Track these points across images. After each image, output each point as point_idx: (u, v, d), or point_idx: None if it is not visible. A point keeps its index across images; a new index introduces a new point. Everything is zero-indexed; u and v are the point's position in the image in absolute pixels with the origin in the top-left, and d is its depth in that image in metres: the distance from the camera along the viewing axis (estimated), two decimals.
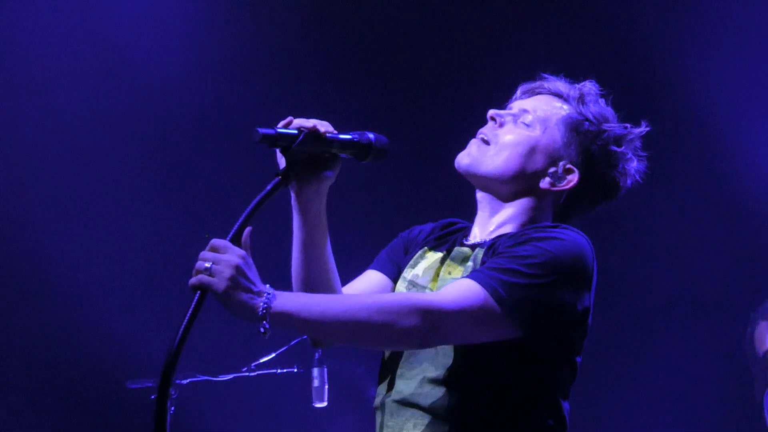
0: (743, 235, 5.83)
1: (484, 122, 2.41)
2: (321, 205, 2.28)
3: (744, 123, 5.70)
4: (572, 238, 2.22)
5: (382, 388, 2.31)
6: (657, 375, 5.89)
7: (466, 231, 2.42)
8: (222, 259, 1.98)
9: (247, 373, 4.95)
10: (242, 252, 2.00)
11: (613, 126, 2.39)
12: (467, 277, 2.17)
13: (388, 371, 2.31)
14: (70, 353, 5.64)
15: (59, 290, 5.64)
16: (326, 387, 4.87)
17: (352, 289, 2.43)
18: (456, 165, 2.38)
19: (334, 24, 5.90)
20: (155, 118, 5.75)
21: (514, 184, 2.35)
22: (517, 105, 2.43)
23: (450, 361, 2.21)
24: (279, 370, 4.97)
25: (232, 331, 4.49)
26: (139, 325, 5.48)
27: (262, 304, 1.98)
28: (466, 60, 5.89)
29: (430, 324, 2.07)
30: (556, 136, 2.37)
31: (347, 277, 2.44)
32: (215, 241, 2.01)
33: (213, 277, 1.96)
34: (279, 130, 2.18)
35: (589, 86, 2.43)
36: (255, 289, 1.99)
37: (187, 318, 1.95)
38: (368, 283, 2.44)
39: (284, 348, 4.88)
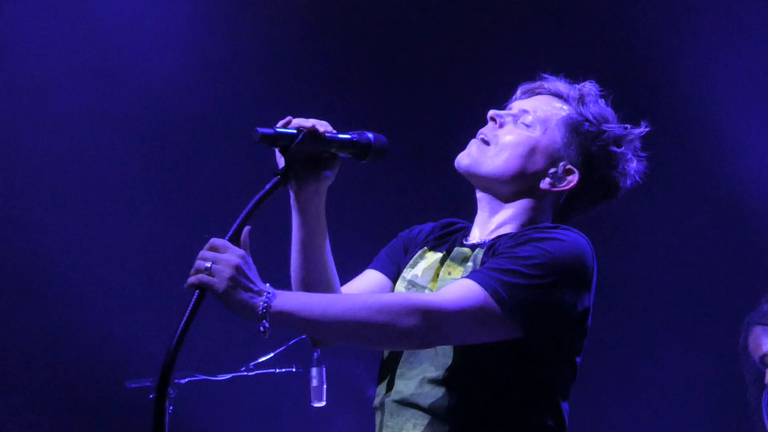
0: (743, 235, 5.82)
1: (484, 122, 2.41)
2: (320, 205, 2.28)
3: (744, 123, 5.70)
4: (572, 238, 2.22)
5: (382, 388, 2.31)
6: (657, 375, 5.89)
7: (466, 231, 2.42)
8: (222, 258, 1.98)
9: (245, 373, 4.94)
10: (242, 251, 2.00)
11: (613, 126, 2.39)
12: (467, 277, 2.17)
13: (387, 371, 2.31)
14: (70, 353, 5.64)
15: (59, 290, 5.64)
16: (325, 387, 4.87)
17: (351, 288, 2.43)
18: (456, 165, 2.38)
19: (334, 24, 5.90)
20: (155, 118, 5.75)
21: (514, 184, 2.35)
22: (517, 105, 2.43)
23: (450, 361, 2.21)
24: (278, 370, 4.97)
25: (231, 330, 4.49)
26: (139, 325, 5.48)
27: (262, 303, 1.98)
28: (466, 60, 5.89)
29: (430, 324, 2.07)
30: (556, 136, 2.37)
31: (347, 276, 2.44)
32: (214, 241, 2.01)
33: (213, 276, 1.96)
34: (278, 129, 2.18)
35: (589, 87, 2.43)
36: (255, 289, 1.99)
37: (185, 317, 1.95)
38: (367, 283, 2.43)
39: (283, 348, 4.88)
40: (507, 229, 2.34)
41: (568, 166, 2.36)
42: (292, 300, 2.03)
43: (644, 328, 5.96)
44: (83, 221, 5.71)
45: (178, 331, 1.94)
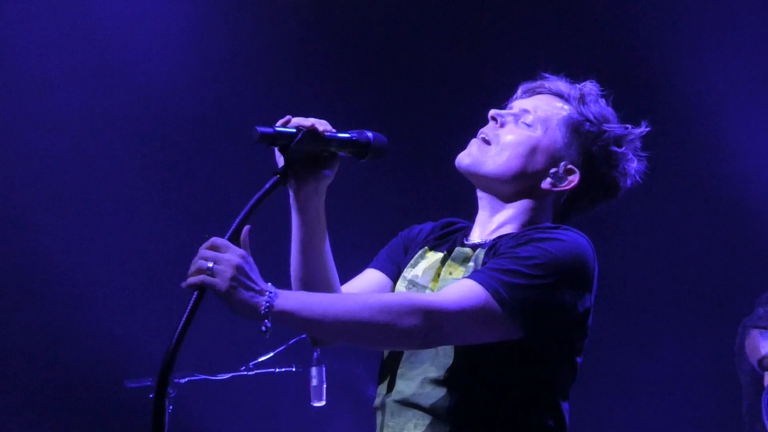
0: (743, 235, 5.83)
1: (485, 122, 2.41)
2: (320, 204, 2.28)
3: (744, 123, 5.70)
4: (573, 239, 2.22)
5: (383, 388, 2.31)
6: (657, 375, 5.90)
7: (467, 231, 2.42)
8: (223, 258, 1.97)
9: (245, 372, 4.94)
10: (242, 251, 2.00)
11: (614, 126, 2.38)
12: (468, 277, 2.16)
13: (388, 371, 2.31)
14: (70, 353, 5.65)
15: (59, 290, 5.64)
16: (324, 386, 4.87)
17: (352, 287, 2.42)
18: (457, 165, 2.37)
19: (334, 24, 5.90)
20: (155, 118, 5.75)
21: (515, 184, 2.35)
22: (517, 104, 2.42)
23: (451, 361, 2.20)
24: (277, 369, 4.97)
25: (231, 330, 4.50)
26: (139, 325, 5.48)
27: (264, 302, 1.98)
28: (466, 60, 5.89)
29: (431, 324, 2.07)
30: (557, 136, 2.36)
31: (347, 276, 2.44)
32: (215, 240, 2.00)
33: (215, 277, 1.96)
34: (277, 128, 2.17)
35: (589, 86, 2.43)
36: (257, 288, 1.98)
37: (185, 317, 1.95)
38: (368, 282, 2.43)
39: (283, 347, 4.88)
40: (508, 229, 2.34)
41: (569, 166, 2.36)
42: (293, 299, 2.02)
43: (644, 328, 5.97)
44: (83, 221, 5.71)
45: (178, 331, 1.93)
